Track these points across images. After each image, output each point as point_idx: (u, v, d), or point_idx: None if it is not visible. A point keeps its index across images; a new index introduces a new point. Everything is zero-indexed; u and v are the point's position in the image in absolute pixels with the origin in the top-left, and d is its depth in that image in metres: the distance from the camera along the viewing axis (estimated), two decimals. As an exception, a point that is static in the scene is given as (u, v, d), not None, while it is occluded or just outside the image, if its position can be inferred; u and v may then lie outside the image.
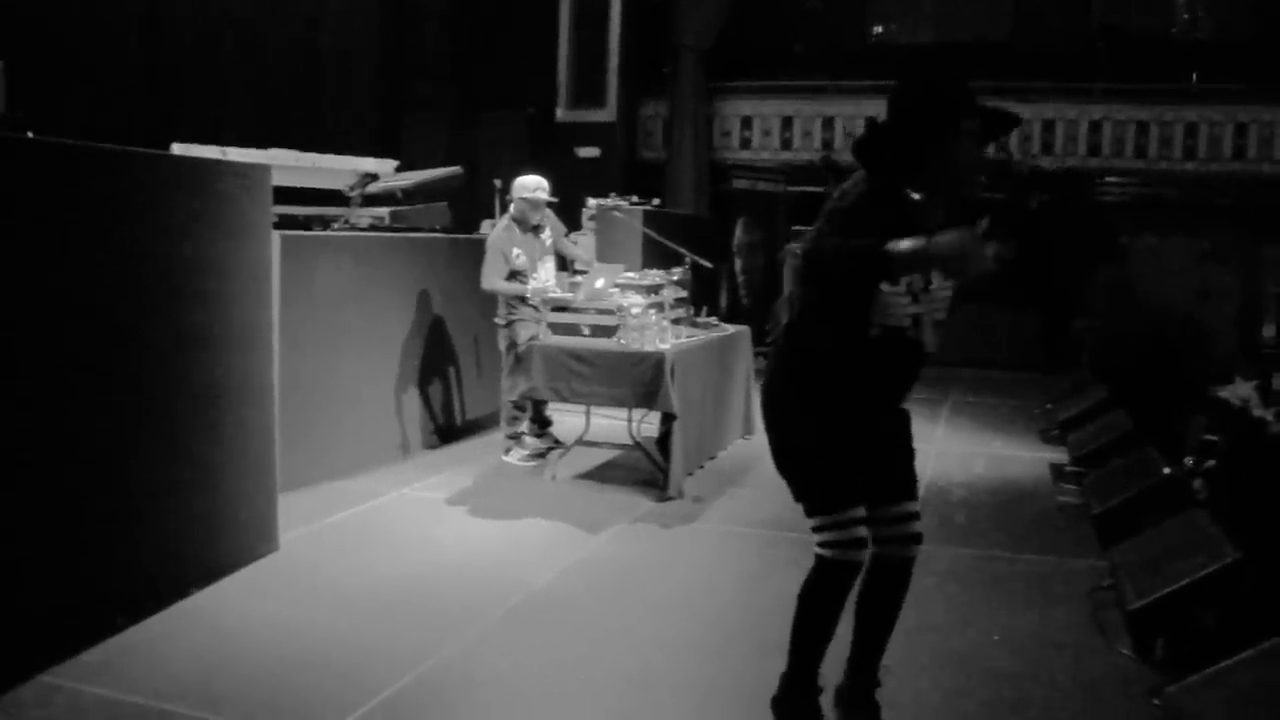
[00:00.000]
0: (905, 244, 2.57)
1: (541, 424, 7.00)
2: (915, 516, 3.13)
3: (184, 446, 4.23)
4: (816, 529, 3.03)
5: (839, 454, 2.95)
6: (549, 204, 6.80)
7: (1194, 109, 12.48)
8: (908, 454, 3.17)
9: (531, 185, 6.70)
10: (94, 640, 3.70)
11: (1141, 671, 3.78)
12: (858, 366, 2.93)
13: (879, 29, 14.93)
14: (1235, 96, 12.39)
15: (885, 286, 2.81)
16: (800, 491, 3.06)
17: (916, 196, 2.86)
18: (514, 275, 6.60)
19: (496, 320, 6.82)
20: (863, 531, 2.99)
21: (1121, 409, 7.37)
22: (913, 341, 2.92)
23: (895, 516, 3.09)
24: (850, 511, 2.97)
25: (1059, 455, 7.45)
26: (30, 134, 3.83)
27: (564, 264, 7.31)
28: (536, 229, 6.77)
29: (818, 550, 3.04)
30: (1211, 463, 6.06)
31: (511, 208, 6.79)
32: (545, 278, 6.69)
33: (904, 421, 3.17)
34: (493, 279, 6.58)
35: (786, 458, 3.07)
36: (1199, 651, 3.53)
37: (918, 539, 3.13)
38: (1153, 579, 4.02)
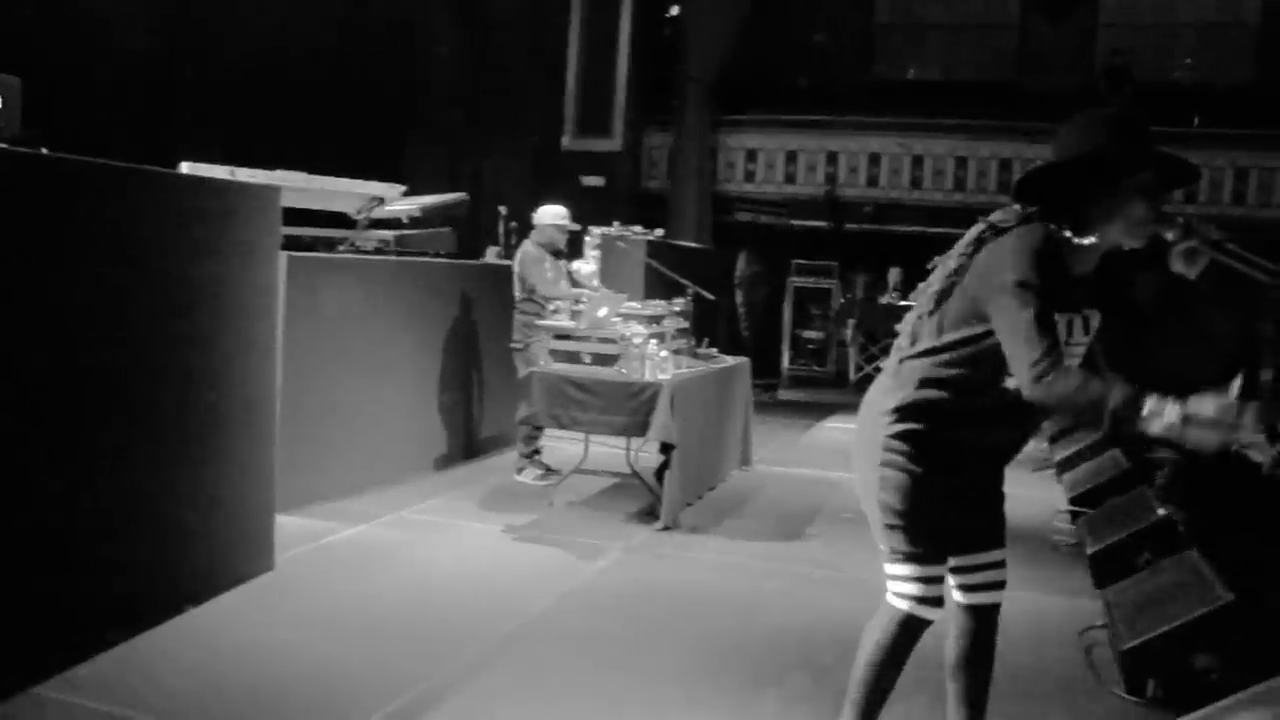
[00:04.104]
0: (1168, 409, 2.38)
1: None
2: (1003, 563, 3.02)
3: (182, 463, 4.25)
4: (897, 577, 2.86)
5: (941, 506, 2.80)
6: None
7: (1196, 153, 12.54)
8: (1001, 500, 3.02)
9: (562, 213, 7.10)
10: (87, 655, 3.70)
11: (1134, 711, 3.79)
12: (981, 416, 2.77)
13: (884, 66, 15.07)
14: (1235, 141, 12.50)
15: None
16: (886, 537, 2.87)
17: (1080, 242, 2.69)
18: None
19: (513, 345, 6.93)
20: (943, 589, 2.87)
21: (1118, 449, 7.38)
22: None
23: (986, 564, 2.97)
24: (938, 567, 2.86)
25: (1054, 494, 7.46)
26: (44, 150, 3.87)
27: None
28: (558, 254, 7.06)
29: (895, 601, 2.87)
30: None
31: (536, 234, 7.04)
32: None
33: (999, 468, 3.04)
34: (553, 287, 6.86)
35: (878, 498, 2.86)
36: (1191, 692, 3.53)
37: (1004, 585, 3.00)
38: (1146, 619, 4.03)
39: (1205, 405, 2.37)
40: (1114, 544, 5.26)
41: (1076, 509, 6.57)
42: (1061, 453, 8.30)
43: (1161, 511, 5.25)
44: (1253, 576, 4.11)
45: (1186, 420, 2.37)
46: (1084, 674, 4.16)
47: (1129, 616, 4.18)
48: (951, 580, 3.00)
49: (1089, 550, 5.48)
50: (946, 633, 3.04)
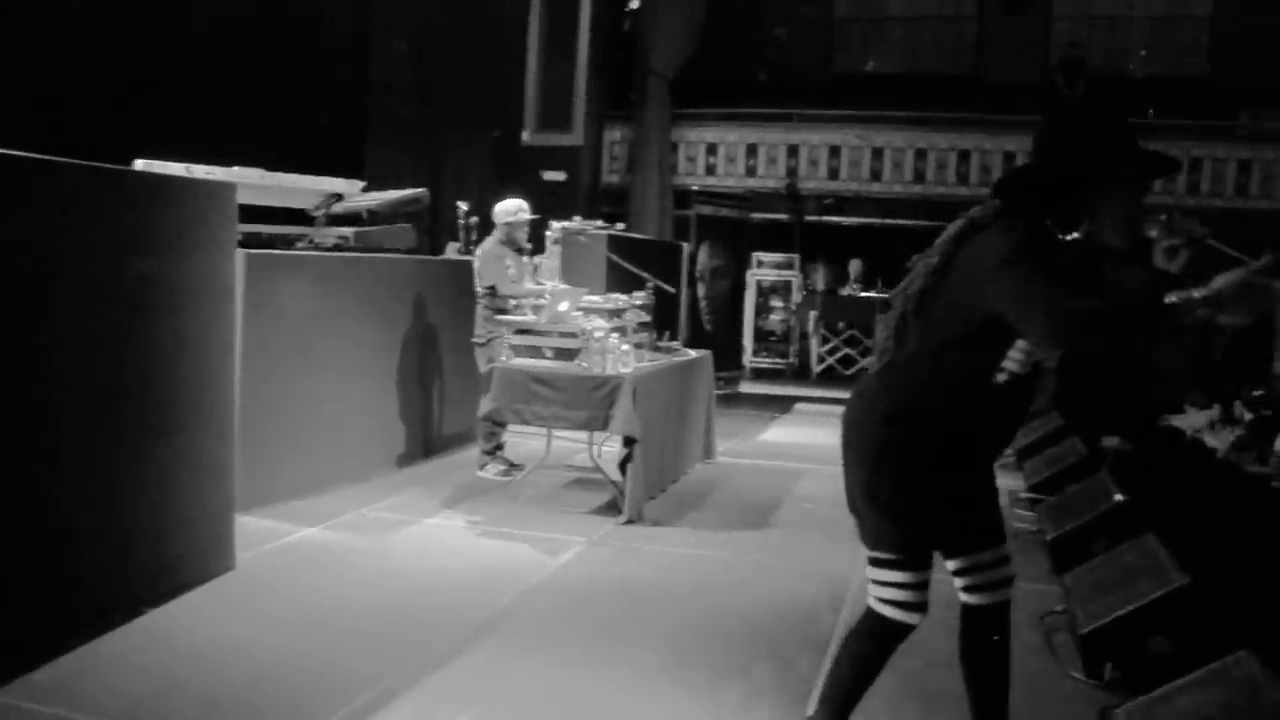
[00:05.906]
0: (1193, 294, 2.36)
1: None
2: (1009, 559, 3.01)
3: (141, 462, 4.21)
4: (882, 582, 2.84)
5: (938, 508, 2.80)
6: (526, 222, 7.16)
7: (1150, 144, 12.69)
8: (995, 495, 3.01)
9: (513, 209, 7.07)
10: (45, 659, 3.65)
11: (1092, 693, 3.84)
12: (974, 414, 2.78)
13: (843, 59, 15.14)
14: (1188, 132, 12.67)
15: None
16: (876, 540, 2.85)
17: (1063, 237, 2.68)
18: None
19: (475, 340, 6.94)
20: (927, 594, 2.85)
21: (1076, 437, 7.47)
22: (1023, 388, 2.76)
23: (992, 561, 2.97)
24: (925, 572, 2.84)
25: (1015, 481, 7.53)
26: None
27: None
28: (520, 250, 7.08)
29: (878, 607, 2.85)
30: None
31: (496, 232, 7.06)
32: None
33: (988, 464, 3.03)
34: (514, 285, 6.89)
35: (872, 500, 2.84)
36: (1148, 674, 3.58)
37: (1011, 581, 3.01)
38: (1104, 603, 4.09)
39: (1225, 277, 2.37)
40: (1073, 530, 5.34)
41: (1036, 496, 6.64)
42: (1021, 441, 8.39)
43: (1119, 497, 5.32)
44: (1209, 560, 4.17)
45: (1208, 300, 2.37)
46: (1044, 658, 4.21)
47: (1087, 601, 4.24)
48: (958, 583, 3.00)
49: (1049, 536, 5.55)
50: (930, 634, 3.04)
